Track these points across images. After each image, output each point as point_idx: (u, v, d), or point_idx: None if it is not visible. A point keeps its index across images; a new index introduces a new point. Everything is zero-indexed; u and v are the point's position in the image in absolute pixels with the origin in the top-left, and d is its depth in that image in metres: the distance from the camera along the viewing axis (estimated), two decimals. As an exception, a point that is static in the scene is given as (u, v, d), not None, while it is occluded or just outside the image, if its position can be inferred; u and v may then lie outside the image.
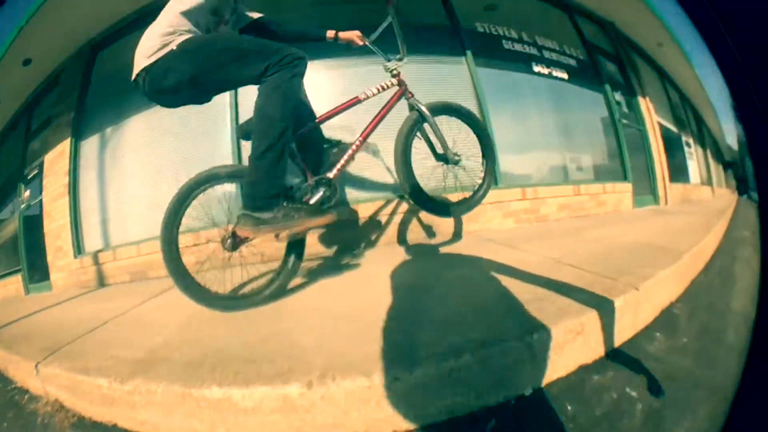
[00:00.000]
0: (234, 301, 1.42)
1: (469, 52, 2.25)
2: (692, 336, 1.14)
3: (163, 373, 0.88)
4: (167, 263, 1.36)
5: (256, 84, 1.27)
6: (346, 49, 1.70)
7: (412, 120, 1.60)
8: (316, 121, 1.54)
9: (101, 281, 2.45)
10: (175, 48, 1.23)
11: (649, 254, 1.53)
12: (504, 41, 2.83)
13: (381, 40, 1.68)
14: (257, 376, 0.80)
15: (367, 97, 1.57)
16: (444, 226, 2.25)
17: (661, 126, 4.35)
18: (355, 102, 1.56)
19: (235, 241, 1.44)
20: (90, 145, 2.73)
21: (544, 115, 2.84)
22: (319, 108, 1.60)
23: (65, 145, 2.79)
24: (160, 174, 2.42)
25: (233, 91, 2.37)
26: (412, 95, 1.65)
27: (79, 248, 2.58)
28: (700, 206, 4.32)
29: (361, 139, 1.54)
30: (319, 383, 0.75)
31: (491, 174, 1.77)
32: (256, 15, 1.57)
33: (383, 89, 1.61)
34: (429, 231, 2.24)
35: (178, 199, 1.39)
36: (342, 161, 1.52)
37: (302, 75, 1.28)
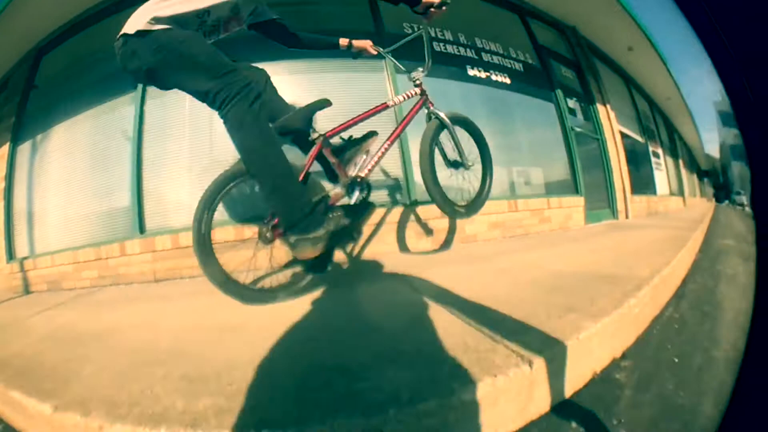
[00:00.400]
0: (261, 294, 1.43)
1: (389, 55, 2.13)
2: (642, 424, 0.71)
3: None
4: (198, 253, 1.32)
5: (200, 99, 1.28)
6: (356, 57, 1.77)
7: (434, 127, 1.68)
8: (349, 123, 1.58)
9: (26, 288, 2.48)
10: (150, 32, 1.21)
11: (588, 289, 1.16)
12: (435, 44, 2.64)
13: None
14: (38, 389, 0.89)
15: (395, 104, 1.66)
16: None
17: (624, 135, 4.10)
18: (384, 108, 1.63)
19: (273, 234, 1.41)
20: (25, 151, 2.74)
21: (483, 124, 2.67)
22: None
23: (5, 150, 2.82)
24: (72, 186, 2.42)
25: (139, 112, 2.33)
26: (432, 105, 1.73)
27: (10, 253, 2.62)
28: (669, 218, 4.02)
29: (389, 142, 1.62)
30: (60, 410, 0.79)
31: (491, 181, 1.89)
32: (275, 15, 1.54)
33: (408, 97, 1.70)
34: (426, 229, 2.26)
35: (210, 192, 1.38)
36: (374, 161, 1.56)
37: (261, 95, 1.26)
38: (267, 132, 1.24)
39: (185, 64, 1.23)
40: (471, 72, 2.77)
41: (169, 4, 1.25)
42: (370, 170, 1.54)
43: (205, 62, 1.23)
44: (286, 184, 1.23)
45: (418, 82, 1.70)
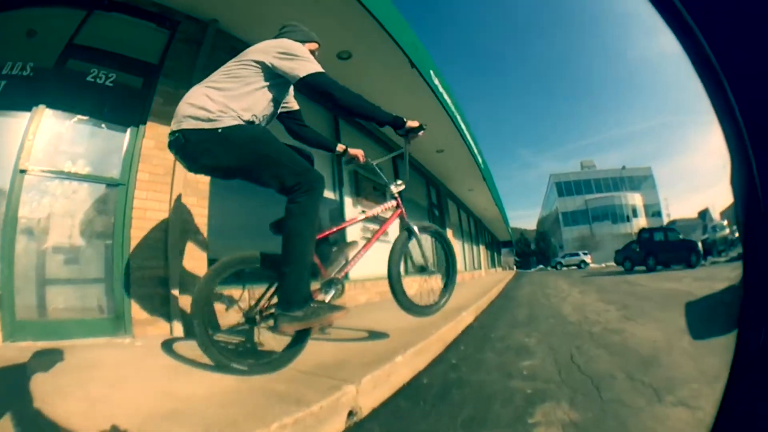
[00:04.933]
0: (251, 366, 1.48)
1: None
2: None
3: None
4: (199, 334, 1.42)
5: (279, 192, 1.42)
6: (347, 163, 1.97)
7: (404, 237, 1.89)
8: (336, 229, 1.74)
9: None
10: (220, 131, 1.32)
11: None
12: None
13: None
14: None
15: (375, 215, 1.87)
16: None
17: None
18: (366, 218, 1.87)
19: (261, 317, 1.54)
20: None
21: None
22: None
23: None
24: None
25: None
26: (406, 216, 1.92)
27: None
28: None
29: (365, 249, 1.78)
30: None
31: (453, 285, 2.14)
32: (295, 106, 1.78)
33: (386, 210, 1.90)
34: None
35: (210, 277, 1.48)
36: (351, 264, 1.73)
37: (323, 195, 1.45)
38: (316, 226, 1.45)
39: (269, 161, 1.39)
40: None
41: (227, 95, 1.35)
42: (345, 273, 1.73)
43: (286, 161, 1.41)
44: (307, 269, 1.42)
45: (395, 195, 1.90)
